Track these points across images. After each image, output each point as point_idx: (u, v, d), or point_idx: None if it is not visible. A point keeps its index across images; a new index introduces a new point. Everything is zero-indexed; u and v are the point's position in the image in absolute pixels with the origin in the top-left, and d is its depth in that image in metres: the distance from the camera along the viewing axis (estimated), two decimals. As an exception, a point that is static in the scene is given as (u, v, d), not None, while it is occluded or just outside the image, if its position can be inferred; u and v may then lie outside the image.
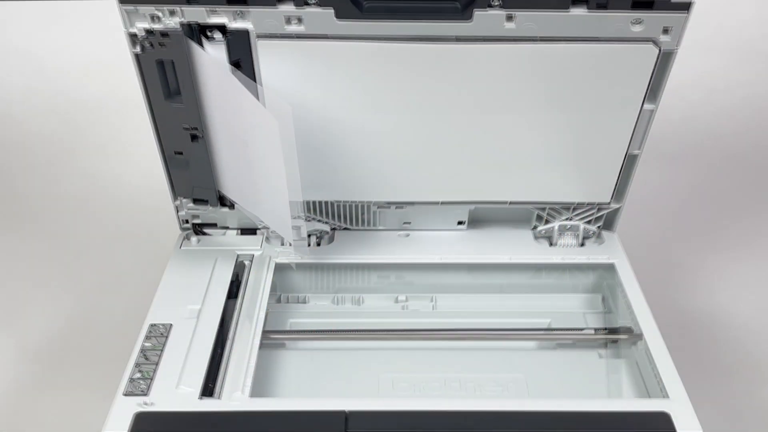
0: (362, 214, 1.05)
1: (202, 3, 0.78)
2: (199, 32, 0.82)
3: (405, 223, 1.05)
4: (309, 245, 1.05)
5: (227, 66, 0.83)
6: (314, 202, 1.03)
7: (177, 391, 0.79)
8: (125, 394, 0.78)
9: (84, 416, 1.06)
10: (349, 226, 1.06)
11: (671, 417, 0.75)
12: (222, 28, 0.82)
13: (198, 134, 0.90)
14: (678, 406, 0.77)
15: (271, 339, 0.93)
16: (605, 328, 0.96)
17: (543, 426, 0.75)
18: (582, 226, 1.04)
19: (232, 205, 1.02)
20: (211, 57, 0.82)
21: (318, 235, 1.05)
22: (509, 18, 0.79)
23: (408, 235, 1.05)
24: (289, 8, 0.79)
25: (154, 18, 0.79)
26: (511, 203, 1.02)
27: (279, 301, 1.04)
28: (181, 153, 0.93)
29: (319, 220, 1.05)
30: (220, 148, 0.92)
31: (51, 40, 1.22)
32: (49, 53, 1.23)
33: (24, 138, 1.29)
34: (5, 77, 1.26)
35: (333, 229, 1.06)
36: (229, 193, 0.99)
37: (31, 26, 1.21)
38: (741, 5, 1.14)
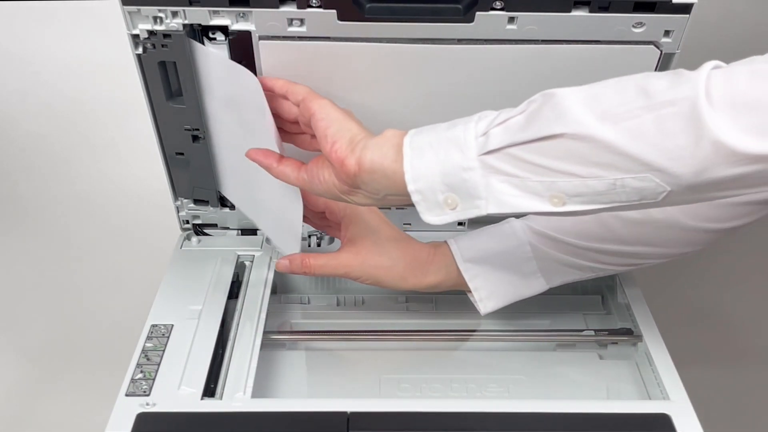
0: (363, 214, 1.05)
1: (204, 4, 0.78)
2: (201, 33, 0.82)
3: (405, 224, 1.06)
4: (309, 246, 1.05)
5: (230, 63, 0.83)
6: (315, 203, 1.03)
7: (179, 391, 0.79)
8: (127, 395, 0.78)
9: (85, 417, 1.06)
10: (349, 227, 1.06)
11: (671, 418, 0.75)
12: (224, 30, 0.81)
13: (199, 135, 0.90)
14: (678, 407, 0.77)
15: (272, 339, 0.93)
16: (605, 330, 0.96)
17: (543, 427, 0.75)
18: (582, 227, 1.04)
19: (232, 206, 1.02)
20: (216, 54, 0.82)
21: (318, 235, 1.05)
22: (511, 20, 0.79)
23: (408, 236, 1.05)
24: (291, 10, 0.78)
25: (156, 19, 0.79)
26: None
27: (280, 301, 1.04)
28: (182, 154, 0.93)
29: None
30: (221, 149, 0.92)
31: (49, 41, 1.22)
32: (47, 54, 1.23)
33: (23, 139, 1.29)
34: (3, 78, 1.26)
35: (333, 230, 1.06)
36: (231, 196, 0.99)
37: (28, 27, 1.21)
38: (740, 5, 1.14)
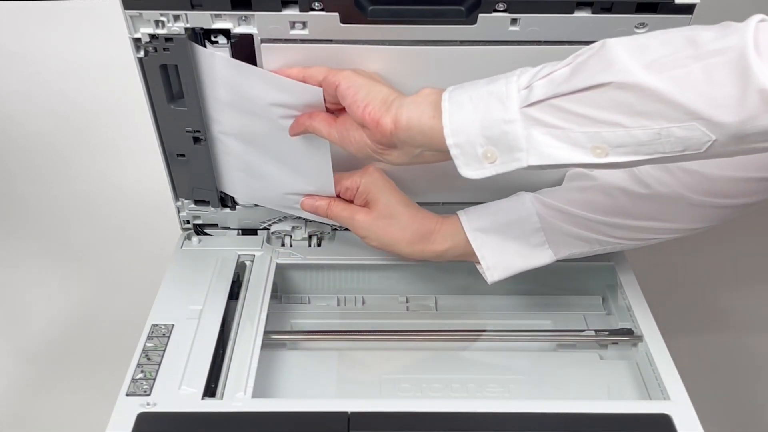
0: (363, 214, 1.05)
1: (206, 8, 0.78)
2: (203, 37, 0.82)
3: None
4: (310, 245, 1.05)
5: (238, 63, 0.83)
6: (316, 203, 1.03)
7: (179, 391, 0.79)
8: (128, 395, 0.78)
9: (86, 417, 1.06)
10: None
11: (672, 418, 0.75)
12: (226, 33, 0.81)
13: (200, 137, 0.90)
14: (679, 407, 0.77)
15: (273, 339, 0.93)
16: (606, 330, 0.96)
17: (544, 427, 0.75)
18: (582, 227, 1.04)
19: (233, 206, 1.02)
20: (225, 58, 0.82)
21: (319, 235, 1.06)
22: (513, 21, 0.79)
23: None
24: (293, 13, 0.78)
25: (158, 23, 0.79)
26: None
27: (280, 301, 1.04)
28: (183, 155, 0.93)
29: (320, 221, 1.05)
30: (231, 149, 0.92)
31: (50, 41, 1.22)
32: (48, 54, 1.23)
33: (24, 139, 1.29)
34: (4, 78, 1.26)
35: (334, 230, 1.07)
36: (239, 193, 0.98)
37: (29, 27, 1.21)
38: (741, 6, 1.15)
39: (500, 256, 0.92)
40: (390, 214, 0.92)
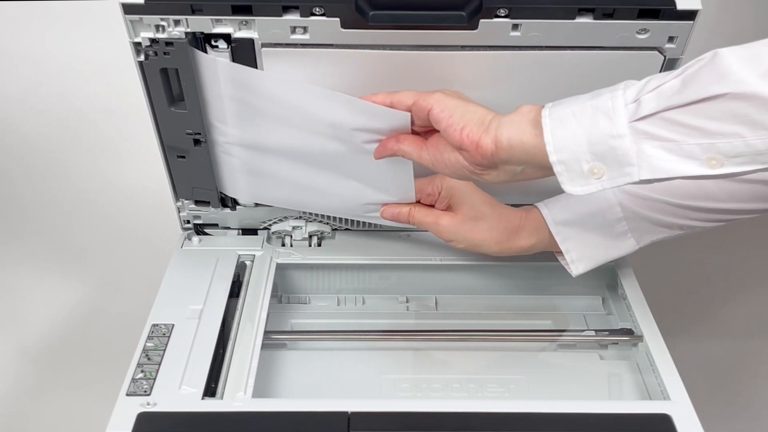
0: (363, 214, 1.05)
1: (207, 13, 0.78)
2: (203, 41, 0.82)
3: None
4: (310, 245, 1.05)
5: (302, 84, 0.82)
6: (316, 203, 1.03)
7: (179, 391, 0.79)
8: (128, 395, 0.78)
9: (86, 416, 1.06)
10: (350, 227, 1.06)
11: (672, 419, 0.75)
12: (227, 37, 0.81)
13: (201, 139, 0.90)
14: (679, 407, 0.77)
15: (273, 339, 0.93)
16: (606, 330, 0.96)
17: (544, 427, 0.75)
18: (582, 227, 1.04)
19: (233, 206, 1.02)
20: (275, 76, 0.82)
21: (319, 235, 1.06)
22: (515, 27, 0.78)
23: (409, 236, 1.06)
24: (294, 18, 0.78)
25: (158, 28, 0.79)
26: (512, 205, 1.02)
27: (280, 301, 1.04)
28: (183, 156, 0.93)
29: (320, 221, 1.05)
30: (237, 153, 0.92)
31: (49, 42, 1.22)
32: (47, 55, 1.23)
33: (24, 139, 1.29)
34: (3, 78, 1.26)
35: (334, 230, 1.07)
36: (253, 196, 0.99)
37: (27, 28, 1.21)
38: (742, 7, 1.15)
39: (584, 248, 0.92)
40: (476, 216, 0.92)
